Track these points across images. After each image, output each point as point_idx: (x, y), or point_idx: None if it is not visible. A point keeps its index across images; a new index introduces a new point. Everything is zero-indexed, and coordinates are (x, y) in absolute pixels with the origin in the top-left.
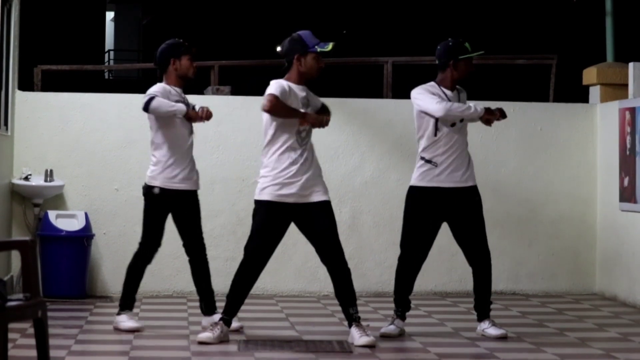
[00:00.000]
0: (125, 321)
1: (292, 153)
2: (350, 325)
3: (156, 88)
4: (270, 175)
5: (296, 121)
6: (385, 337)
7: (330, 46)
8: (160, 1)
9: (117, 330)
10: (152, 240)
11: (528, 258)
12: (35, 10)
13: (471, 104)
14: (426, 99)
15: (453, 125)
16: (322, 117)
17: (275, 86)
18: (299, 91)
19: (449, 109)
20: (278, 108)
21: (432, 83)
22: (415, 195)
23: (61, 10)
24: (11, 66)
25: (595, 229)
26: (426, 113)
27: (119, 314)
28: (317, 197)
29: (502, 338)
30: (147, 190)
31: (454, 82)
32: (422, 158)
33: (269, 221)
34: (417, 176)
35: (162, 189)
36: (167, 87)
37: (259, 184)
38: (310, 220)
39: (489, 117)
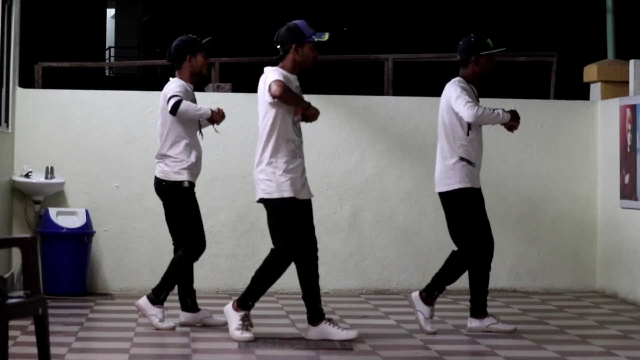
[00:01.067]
0: (160, 315)
1: (292, 145)
2: (316, 322)
3: (177, 87)
4: (284, 171)
5: (291, 111)
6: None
7: (326, 36)
8: None
9: (145, 318)
10: (199, 238)
11: (528, 255)
12: (36, 7)
13: (500, 112)
14: (461, 100)
15: (479, 125)
16: (318, 111)
17: (277, 73)
18: (294, 80)
19: (479, 115)
20: (288, 93)
21: (460, 78)
22: (470, 196)
23: (62, 7)
24: (12, 63)
25: (596, 227)
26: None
27: (155, 304)
28: (309, 193)
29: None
30: (174, 186)
31: (476, 78)
32: (462, 159)
33: (297, 216)
34: (465, 178)
35: (190, 183)
36: (184, 83)
37: (270, 181)
38: (307, 217)
39: (513, 123)
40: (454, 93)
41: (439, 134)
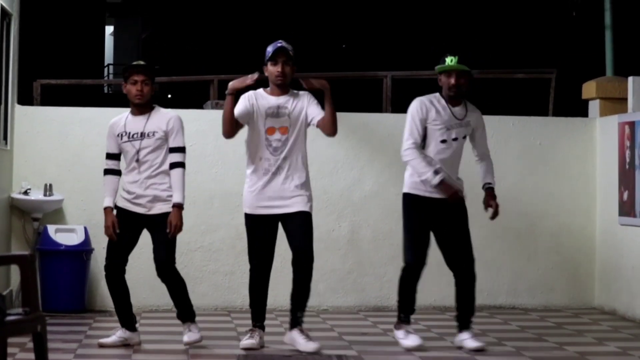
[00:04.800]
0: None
1: (265, 163)
2: (291, 328)
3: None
4: (248, 187)
5: (263, 132)
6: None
7: (271, 54)
8: (159, 15)
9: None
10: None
11: (527, 272)
12: (34, 24)
13: (428, 175)
14: (408, 130)
15: (443, 141)
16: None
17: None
18: (274, 100)
19: (408, 161)
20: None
21: (437, 94)
22: (411, 202)
23: (60, 25)
24: (10, 80)
25: (595, 243)
26: None
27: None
28: (295, 207)
29: (480, 350)
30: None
31: (446, 94)
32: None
33: (256, 231)
34: (411, 183)
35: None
36: None
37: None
38: (287, 230)
39: (447, 194)
40: (408, 115)
41: None
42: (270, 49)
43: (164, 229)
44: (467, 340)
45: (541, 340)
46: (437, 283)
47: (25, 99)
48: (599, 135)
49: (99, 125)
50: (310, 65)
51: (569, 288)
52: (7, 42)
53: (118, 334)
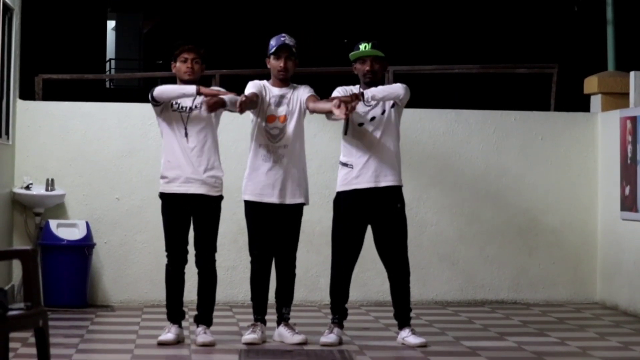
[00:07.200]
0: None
1: (264, 150)
2: (278, 324)
3: None
4: (247, 174)
5: (263, 118)
6: (325, 346)
7: (274, 49)
8: (161, 10)
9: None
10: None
11: (529, 267)
12: (36, 19)
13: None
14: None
15: (361, 125)
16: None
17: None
18: (276, 90)
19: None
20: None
21: (356, 86)
22: (340, 200)
23: (62, 20)
24: (12, 75)
25: (596, 238)
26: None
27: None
28: (290, 199)
29: (422, 346)
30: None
31: (363, 82)
32: (341, 163)
33: (254, 219)
34: (341, 181)
35: (162, 194)
36: None
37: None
38: (279, 222)
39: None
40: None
41: None
42: (273, 43)
43: (208, 213)
44: (408, 337)
45: (543, 335)
46: (437, 278)
47: (26, 94)
48: (601, 130)
49: (101, 119)
50: (312, 60)
51: (571, 283)
52: (8, 36)
53: (173, 330)
